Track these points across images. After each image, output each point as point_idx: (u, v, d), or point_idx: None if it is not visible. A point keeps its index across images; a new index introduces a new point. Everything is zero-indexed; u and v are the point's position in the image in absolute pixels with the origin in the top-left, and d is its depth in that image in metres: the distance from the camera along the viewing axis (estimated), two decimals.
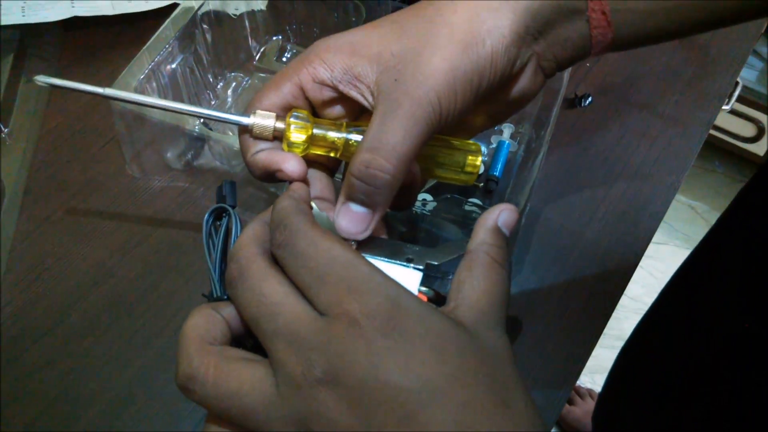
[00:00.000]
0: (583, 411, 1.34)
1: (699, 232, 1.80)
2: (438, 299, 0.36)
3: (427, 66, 0.34)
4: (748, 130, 1.68)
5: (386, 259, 0.36)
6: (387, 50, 0.35)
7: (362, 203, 0.35)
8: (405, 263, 0.36)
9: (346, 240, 0.37)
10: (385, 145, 0.33)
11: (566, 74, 0.56)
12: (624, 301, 0.53)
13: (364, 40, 0.36)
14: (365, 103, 0.36)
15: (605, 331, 0.51)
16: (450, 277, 0.37)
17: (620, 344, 0.91)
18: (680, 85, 0.66)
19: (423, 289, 0.36)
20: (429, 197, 0.55)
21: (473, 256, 0.33)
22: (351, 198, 0.35)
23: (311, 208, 0.36)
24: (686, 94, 0.66)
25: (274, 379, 0.28)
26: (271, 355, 0.28)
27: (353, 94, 0.36)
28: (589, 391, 1.40)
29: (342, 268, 0.29)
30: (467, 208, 0.48)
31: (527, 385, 0.30)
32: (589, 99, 0.64)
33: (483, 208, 0.49)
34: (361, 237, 0.36)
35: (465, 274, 0.32)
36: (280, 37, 0.65)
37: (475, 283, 0.31)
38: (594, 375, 1.45)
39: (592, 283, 0.53)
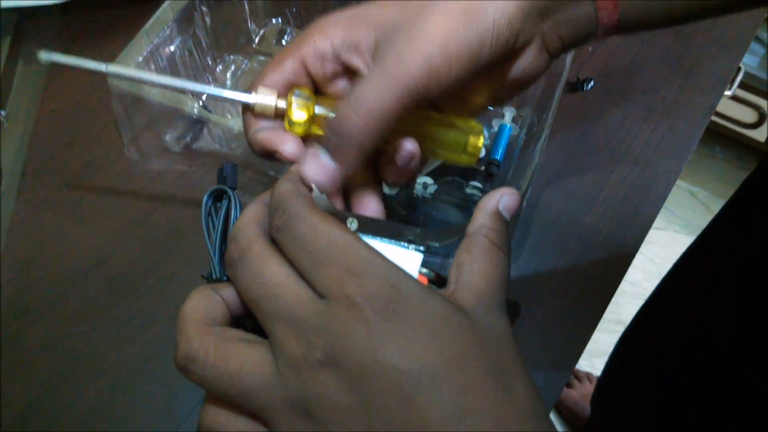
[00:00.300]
0: (581, 394, 1.34)
1: (699, 218, 1.80)
2: (438, 281, 0.36)
3: (421, 30, 0.33)
4: (750, 116, 1.67)
5: (387, 240, 0.36)
6: (387, 17, 0.35)
7: (331, 155, 0.35)
8: (405, 245, 0.36)
9: (344, 222, 0.37)
10: (359, 100, 0.33)
11: (569, 58, 0.55)
12: (623, 286, 0.53)
13: (365, 11, 0.36)
14: (366, 71, 0.35)
15: (604, 315, 0.51)
16: (451, 259, 0.37)
17: (619, 328, 0.91)
18: (683, 70, 0.66)
19: (424, 270, 0.36)
20: (430, 180, 0.55)
21: (473, 239, 0.33)
22: (322, 147, 0.35)
23: (311, 190, 0.36)
24: (689, 79, 0.65)
25: (274, 360, 0.28)
26: (271, 336, 0.28)
27: (354, 62, 0.36)
28: (588, 375, 1.40)
29: (341, 251, 0.29)
30: (468, 191, 0.48)
31: (527, 367, 0.30)
32: (591, 83, 0.63)
33: (484, 192, 0.49)
34: (327, 190, 0.35)
35: (464, 257, 0.32)
36: (280, 20, 0.64)
37: (474, 266, 0.31)
38: (593, 359, 1.45)
39: (592, 268, 0.53)
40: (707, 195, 1.83)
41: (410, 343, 0.26)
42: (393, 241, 0.36)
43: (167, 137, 0.56)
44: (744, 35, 0.69)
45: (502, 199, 0.35)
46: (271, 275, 0.29)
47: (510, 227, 0.36)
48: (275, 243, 0.31)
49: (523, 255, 0.53)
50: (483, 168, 0.56)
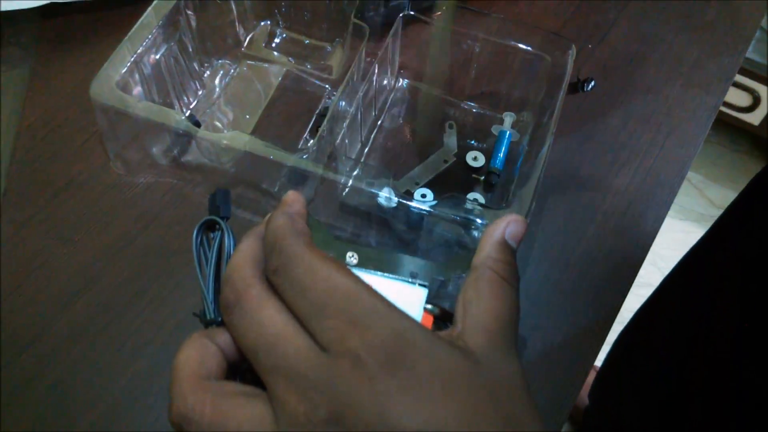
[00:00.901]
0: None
1: (693, 203, 1.79)
2: (444, 316, 0.35)
3: None
4: (744, 99, 1.66)
5: (388, 275, 0.34)
6: None
7: None
8: (409, 280, 0.34)
9: (344, 255, 0.35)
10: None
11: (570, 60, 0.53)
12: None
13: None
14: None
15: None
16: (450, 288, 0.35)
17: (618, 318, 0.90)
18: (685, 67, 0.64)
19: (428, 306, 0.34)
20: (429, 192, 0.53)
21: (479, 273, 0.31)
22: None
23: (307, 218, 0.34)
24: (691, 77, 0.63)
25: (274, 417, 0.26)
26: (270, 391, 0.27)
27: None
28: (595, 367, 1.40)
29: (342, 298, 0.27)
30: (468, 206, 0.46)
31: (537, 411, 0.29)
32: (592, 83, 0.61)
33: (484, 206, 0.47)
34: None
35: (471, 293, 0.30)
36: (269, 22, 0.62)
37: (482, 304, 0.29)
38: None
39: (597, 281, 0.51)
40: (701, 179, 1.83)
41: (418, 401, 0.25)
42: (396, 276, 0.35)
43: (154, 150, 0.54)
44: (748, 29, 0.67)
45: (508, 227, 0.33)
46: (269, 323, 0.28)
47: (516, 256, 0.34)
48: (272, 284, 0.29)
49: (528, 268, 0.52)
50: (483, 178, 0.54)
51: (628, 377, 0.87)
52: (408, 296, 0.34)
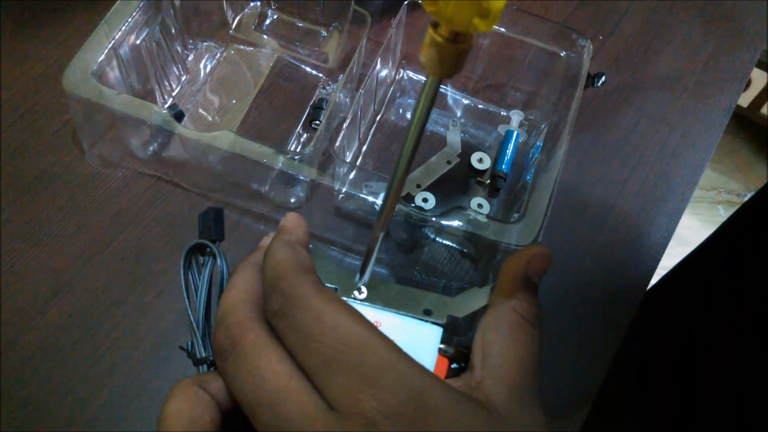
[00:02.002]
0: None
1: None
2: (459, 356, 0.32)
3: None
4: None
5: (402, 314, 0.31)
6: None
7: None
8: (423, 318, 0.31)
9: (351, 291, 0.32)
10: None
11: (587, 57, 0.50)
12: None
13: None
14: None
15: None
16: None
17: None
18: (699, 62, 0.61)
19: (443, 347, 0.31)
20: (431, 196, 0.50)
21: (500, 314, 0.28)
22: None
23: (308, 247, 0.31)
24: (706, 73, 0.60)
25: None
26: None
27: None
28: None
29: (355, 352, 0.24)
30: (471, 215, 0.43)
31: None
32: (603, 78, 0.58)
33: (492, 218, 0.44)
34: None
35: (491, 337, 0.27)
36: (259, 2, 0.57)
37: (503, 350, 0.27)
38: None
39: (609, 291, 0.49)
40: None
41: None
42: (407, 314, 0.31)
43: (132, 142, 0.49)
44: (764, 26, 0.64)
45: (530, 262, 0.30)
46: (270, 376, 0.24)
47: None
48: (273, 328, 0.26)
49: None
50: (488, 181, 0.51)
51: (630, 381, 0.86)
52: (422, 337, 0.31)
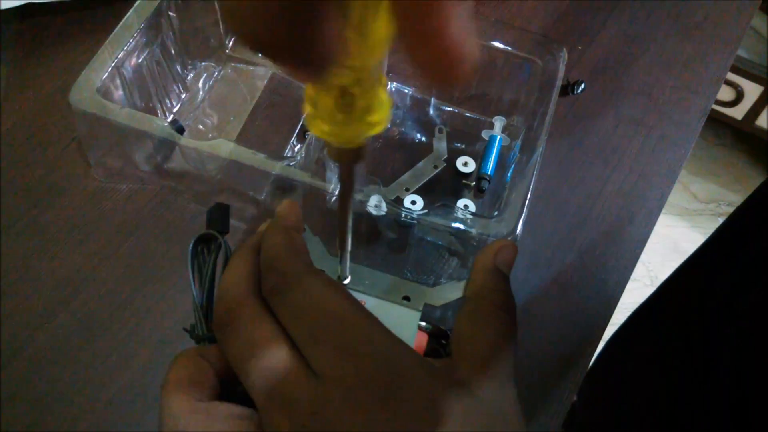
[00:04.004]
0: None
1: (676, 197, 1.80)
2: (439, 333, 0.34)
3: None
4: (728, 94, 1.66)
5: (382, 299, 0.34)
6: None
7: None
8: (401, 303, 0.34)
9: (341, 283, 0.34)
10: None
11: (562, 64, 0.52)
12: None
13: None
14: None
15: None
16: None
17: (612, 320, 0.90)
18: (676, 69, 0.63)
19: (423, 324, 0.33)
20: (419, 199, 0.52)
21: (473, 304, 0.31)
22: None
23: (303, 230, 0.33)
24: (682, 78, 0.63)
25: None
26: (262, 414, 0.26)
27: None
28: None
29: (338, 325, 0.26)
30: (459, 215, 0.45)
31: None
32: (582, 86, 0.61)
33: (475, 215, 0.46)
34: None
35: (466, 325, 0.29)
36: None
37: (477, 335, 0.29)
38: None
39: (589, 287, 0.51)
40: (685, 173, 1.83)
41: None
42: (388, 298, 0.34)
43: (136, 156, 0.52)
44: (738, 29, 0.67)
45: (498, 254, 0.32)
46: (262, 344, 0.27)
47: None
48: (268, 304, 0.28)
49: (515, 278, 0.51)
50: (473, 183, 0.54)
51: (619, 377, 0.87)
52: (401, 318, 0.33)
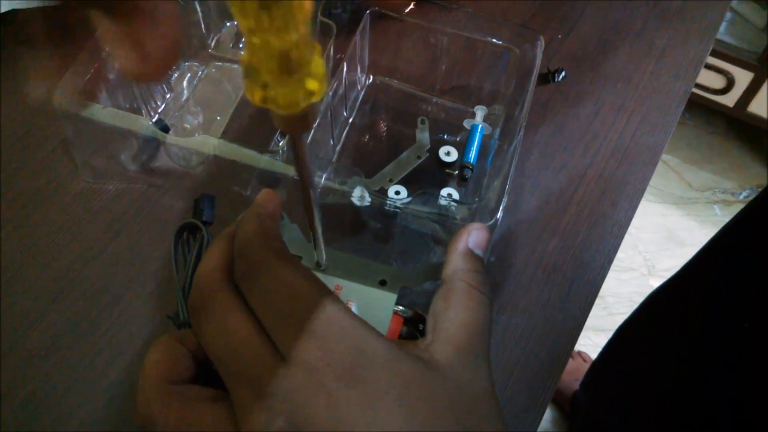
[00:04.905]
0: (565, 371, 1.34)
1: (671, 185, 1.81)
2: (416, 318, 0.34)
3: None
4: (718, 81, 1.67)
5: (358, 283, 0.34)
6: None
7: None
8: (378, 286, 0.34)
9: (315, 268, 0.35)
10: None
11: (539, 52, 0.53)
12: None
13: None
14: None
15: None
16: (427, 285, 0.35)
17: (599, 302, 0.90)
18: (655, 53, 0.64)
19: (399, 308, 0.34)
20: (403, 189, 0.53)
21: (449, 286, 0.31)
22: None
23: (281, 219, 0.34)
24: (661, 63, 0.64)
25: (235, 423, 0.26)
26: (233, 397, 0.27)
27: None
28: (580, 353, 1.40)
29: (305, 309, 0.27)
30: (442, 202, 0.46)
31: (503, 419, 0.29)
32: (563, 73, 0.61)
33: (457, 202, 0.47)
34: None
35: (441, 306, 0.30)
36: (235, 21, 0.61)
37: (452, 315, 0.29)
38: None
39: (573, 271, 0.52)
40: (678, 162, 1.84)
41: (375, 413, 0.25)
42: (364, 282, 0.34)
43: (122, 156, 0.53)
44: (716, 14, 0.67)
45: (470, 236, 0.33)
46: (233, 329, 0.27)
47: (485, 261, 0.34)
48: (240, 290, 0.29)
49: (500, 261, 0.52)
50: (456, 172, 0.54)
51: (624, 370, 0.88)
52: (378, 301, 0.33)
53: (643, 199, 0.56)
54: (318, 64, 0.22)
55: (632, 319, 0.89)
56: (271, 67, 0.21)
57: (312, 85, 0.22)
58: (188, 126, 0.57)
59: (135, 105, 0.55)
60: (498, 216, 0.45)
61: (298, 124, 0.24)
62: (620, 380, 0.86)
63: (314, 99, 0.22)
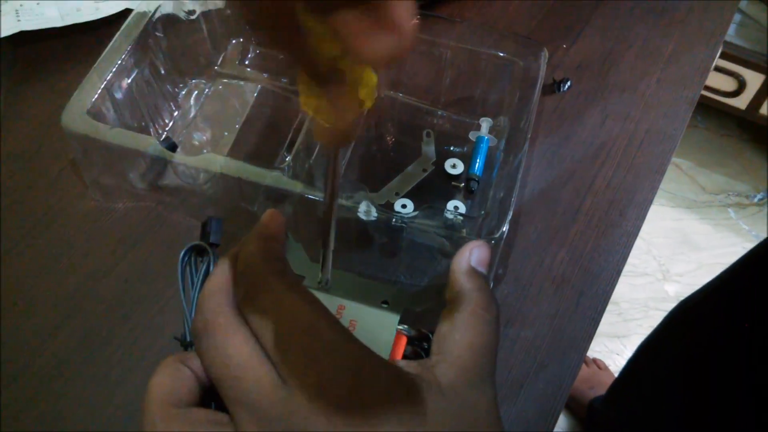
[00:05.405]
0: (581, 378, 1.33)
1: (684, 189, 1.79)
2: (420, 336, 0.34)
3: None
4: (729, 84, 1.66)
5: (361, 303, 0.34)
6: None
7: None
8: (381, 306, 0.34)
9: (318, 288, 0.35)
10: None
11: (543, 63, 0.53)
12: None
13: None
14: None
15: None
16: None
17: (612, 308, 0.89)
18: (661, 61, 0.64)
19: (402, 327, 0.34)
20: (409, 202, 0.53)
21: (454, 306, 0.31)
22: None
23: (286, 239, 0.34)
24: (667, 71, 0.63)
25: None
26: (234, 421, 0.27)
27: None
28: (595, 360, 1.39)
29: (304, 333, 0.27)
30: (449, 215, 0.46)
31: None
32: (568, 83, 0.61)
33: (464, 215, 0.47)
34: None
35: (447, 328, 0.30)
36: (241, 39, 0.61)
37: (457, 337, 0.29)
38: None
39: (581, 282, 0.51)
40: (691, 165, 1.83)
41: None
42: (367, 302, 0.34)
43: (130, 175, 0.53)
44: (722, 21, 0.67)
45: (472, 254, 0.33)
46: (234, 354, 0.27)
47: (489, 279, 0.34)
48: (243, 312, 0.29)
49: (508, 273, 0.52)
50: (462, 184, 0.54)
51: (650, 385, 0.87)
52: (381, 321, 0.33)
53: (656, 203, 0.55)
54: (369, 75, 0.23)
55: (659, 332, 0.88)
56: (325, 78, 0.22)
57: (363, 93, 0.22)
58: (196, 143, 0.58)
59: (143, 123, 0.55)
60: (504, 228, 0.45)
61: (341, 136, 0.24)
62: (646, 395, 0.85)
63: (366, 106, 0.23)
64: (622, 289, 1.63)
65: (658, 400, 0.79)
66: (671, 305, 0.86)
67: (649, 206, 0.56)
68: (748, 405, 0.57)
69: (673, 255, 1.68)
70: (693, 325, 0.77)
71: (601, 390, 1.27)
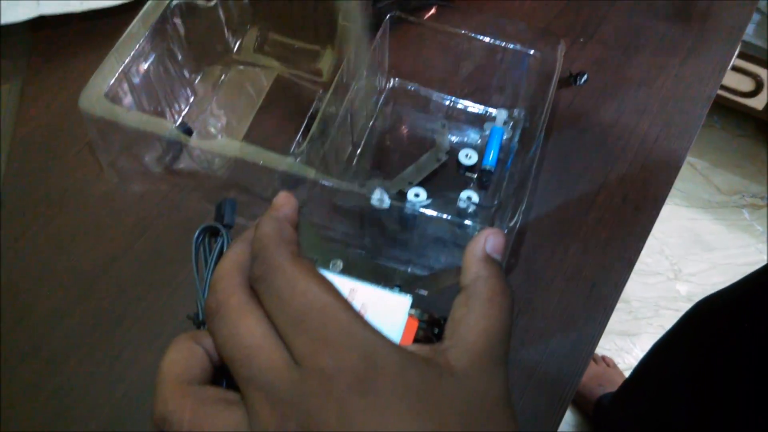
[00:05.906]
0: (588, 376, 1.33)
1: (699, 189, 1.78)
2: (432, 321, 0.34)
3: None
4: (747, 84, 1.64)
5: (371, 284, 0.34)
6: None
7: None
8: (394, 289, 0.34)
9: (329, 263, 0.35)
10: None
11: (560, 55, 0.53)
12: None
13: None
14: None
15: None
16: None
17: (622, 306, 0.89)
18: (679, 57, 0.63)
19: (415, 312, 0.34)
20: (422, 191, 0.53)
21: (469, 292, 0.31)
22: None
23: (298, 220, 0.34)
24: (685, 66, 0.63)
25: (249, 426, 0.26)
26: (245, 401, 0.27)
27: None
28: (604, 357, 1.39)
29: (318, 315, 0.27)
30: (462, 205, 0.46)
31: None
32: (585, 77, 0.61)
33: (477, 205, 0.47)
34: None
35: (461, 312, 0.30)
36: (258, 26, 0.62)
37: (472, 322, 0.29)
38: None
39: (593, 275, 0.51)
40: (706, 165, 1.81)
41: (386, 422, 0.25)
42: (379, 285, 0.34)
43: (146, 158, 0.54)
44: (742, 16, 0.66)
45: (487, 241, 0.33)
46: (246, 334, 0.28)
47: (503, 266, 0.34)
48: (255, 293, 0.29)
49: (520, 264, 0.52)
50: (475, 176, 0.54)
51: (659, 384, 0.87)
52: (392, 303, 0.34)
53: (669, 202, 0.55)
54: None
55: (675, 331, 0.88)
56: None
57: None
58: (211, 129, 0.58)
59: (159, 108, 0.56)
60: (517, 219, 0.45)
61: None
62: (658, 396, 0.85)
63: None
64: (634, 288, 1.62)
65: (668, 401, 0.78)
66: (682, 305, 0.85)
67: (664, 201, 0.55)
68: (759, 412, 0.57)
69: (685, 255, 1.67)
70: (717, 327, 0.76)
71: (610, 387, 1.27)
